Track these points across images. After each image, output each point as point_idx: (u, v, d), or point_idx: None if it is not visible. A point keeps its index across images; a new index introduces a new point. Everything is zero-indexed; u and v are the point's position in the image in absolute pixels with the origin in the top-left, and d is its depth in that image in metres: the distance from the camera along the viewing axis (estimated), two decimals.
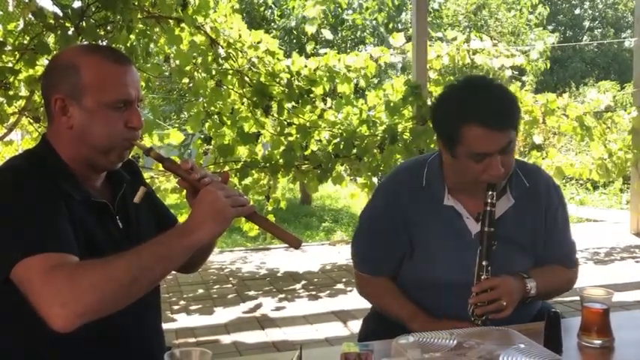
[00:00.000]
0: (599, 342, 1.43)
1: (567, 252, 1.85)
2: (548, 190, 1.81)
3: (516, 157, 1.76)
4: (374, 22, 14.83)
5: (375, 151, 5.39)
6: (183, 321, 4.29)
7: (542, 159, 6.94)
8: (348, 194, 12.55)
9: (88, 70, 1.35)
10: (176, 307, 4.63)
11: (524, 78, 15.12)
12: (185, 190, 1.43)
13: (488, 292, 1.59)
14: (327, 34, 9.93)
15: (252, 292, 5.08)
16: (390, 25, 15.31)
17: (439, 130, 1.70)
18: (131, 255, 1.21)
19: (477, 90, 1.65)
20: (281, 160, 5.29)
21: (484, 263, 1.60)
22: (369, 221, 1.89)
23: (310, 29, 6.37)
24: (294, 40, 13.91)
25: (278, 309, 4.57)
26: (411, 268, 1.78)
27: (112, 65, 1.37)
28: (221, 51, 5.15)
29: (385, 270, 1.83)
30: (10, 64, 4.27)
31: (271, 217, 5.33)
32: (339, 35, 14.46)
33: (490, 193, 1.60)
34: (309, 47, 10.44)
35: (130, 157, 1.52)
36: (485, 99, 1.61)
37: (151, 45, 4.69)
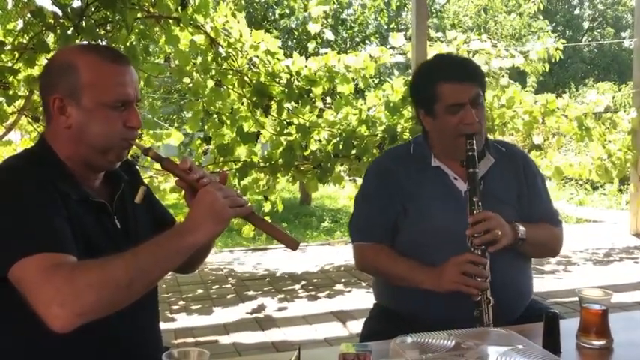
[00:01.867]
0: (597, 343, 1.42)
1: (550, 210, 1.98)
2: (524, 157, 2.03)
3: None
4: (376, 21, 14.84)
5: (375, 151, 5.39)
6: (182, 321, 4.29)
7: (542, 159, 6.94)
8: (348, 195, 12.55)
9: (86, 69, 1.35)
10: (175, 307, 4.63)
11: (527, 79, 15.13)
12: (184, 191, 1.43)
13: (483, 223, 1.69)
14: (328, 34, 9.94)
15: (251, 292, 5.07)
16: (391, 26, 15.32)
17: (418, 97, 1.93)
18: (129, 256, 1.21)
19: (444, 57, 2.14)
20: (280, 160, 5.29)
21: (475, 199, 1.73)
22: (363, 195, 2.01)
23: (313, 28, 6.35)
24: (294, 41, 13.92)
25: (277, 309, 4.57)
26: (407, 226, 1.87)
27: (110, 65, 1.37)
28: (221, 51, 5.15)
29: (381, 235, 1.90)
30: (9, 64, 4.27)
31: (269, 219, 5.34)
32: (340, 36, 14.47)
33: (469, 141, 1.78)
34: (310, 46, 10.43)
35: (128, 157, 1.52)
36: (451, 61, 2.01)
37: (151, 45, 4.68)
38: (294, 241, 1.37)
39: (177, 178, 1.41)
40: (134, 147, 1.47)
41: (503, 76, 6.60)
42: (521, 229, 1.78)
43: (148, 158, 1.45)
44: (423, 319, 1.70)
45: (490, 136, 2.03)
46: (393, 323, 1.75)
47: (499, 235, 1.69)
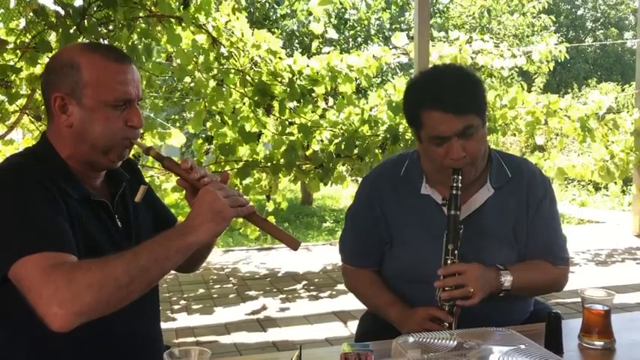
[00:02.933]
0: (600, 343, 1.42)
1: (551, 246, 1.77)
2: (534, 181, 1.78)
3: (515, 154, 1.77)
4: (379, 21, 14.83)
5: (377, 151, 5.38)
6: (183, 320, 4.29)
7: (544, 160, 6.93)
8: (350, 194, 12.51)
9: (88, 68, 1.34)
10: (176, 307, 4.63)
11: (534, 80, 15.09)
12: (185, 190, 1.42)
13: (455, 277, 1.57)
14: (332, 33, 9.92)
15: (252, 292, 5.07)
16: (394, 26, 15.31)
17: (406, 117, 1.74)
18: (129, 255, 1.21)
19: (436, 76, 1.69)
20: (282, 160, 5.28)
21: (450, 247, 1.59)
22: (352, 215, 1.91)
23: (317, 28, 6.34)
24: (296, 42, 13.92)
25: (278, 309, 4.57)
26: (391, 258, 1.79)
27: (112, 64, 1.37)
28: (223, 50, 5.15)
29: (368, 261, 1.85)
30: (11, 63, 4.28)
31: (271, 219, 5.33)
32: (342, 35, 14.47)
33: (455, 177, 1.60)
34: (314, 45, 10.43)
35: (130, 155, 1.51)
36: (442, 84, 1.62)
37: (153, 44, 4.67)
38: (295, 241, 1.37)
39: (178, 178, 1.41)
40: (136, 146, 1.46)
41: (511, 77, 6.59)
42: (507, 279, 1.62)
43: (150, 157, 1.44)
44: None
45: (495, 145, 1.90)
46: (386, 322, 1.73)
47: (470, 293, 1.55)
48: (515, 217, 1.73)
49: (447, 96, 1.57)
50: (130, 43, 4.37)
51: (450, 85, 1.61)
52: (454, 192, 1.60)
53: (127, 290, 1.19)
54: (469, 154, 1.60)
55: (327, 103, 5.66)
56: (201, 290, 5.17)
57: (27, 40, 4.35)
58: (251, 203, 1.37)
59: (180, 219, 1.69)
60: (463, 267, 1.57)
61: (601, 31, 24.36)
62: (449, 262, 1.59)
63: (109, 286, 1.16)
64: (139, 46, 4.45)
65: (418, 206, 1.74)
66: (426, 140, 1.63)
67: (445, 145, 1.59)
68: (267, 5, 13.89)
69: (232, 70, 5.19)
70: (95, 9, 4.23)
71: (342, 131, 5.50)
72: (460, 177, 1.60)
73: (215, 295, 5.01)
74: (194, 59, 5.06)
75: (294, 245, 1.36)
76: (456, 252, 1.59)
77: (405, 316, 1.66)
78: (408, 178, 1.78)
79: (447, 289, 1.57)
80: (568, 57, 7.68)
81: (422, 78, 1.71)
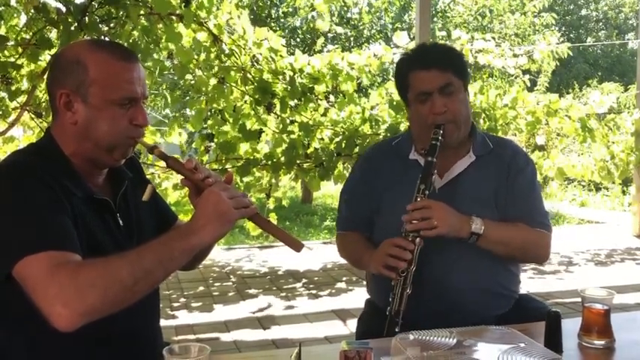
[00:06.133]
0: (599, 342, 1.42)
1: (531, 210, 1.84)
2: (517, 154, 1.91)
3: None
4: (382, 21, 14.83)
5: None
6: (183, 318, 4.29)
7: (544, 160, 6.93)
8: None
9: (94, 66, 1.34)
10: (176, 304, 4.63)
11: (538, 79, 15.05)
12: (188, 189, 1.42)
13: (421, 210, 1.67)
14: (338, 29, 9.89)
15: (252, 291, 5.07)
16: (395, 25, 15.30)
17: (397, 86, 1.94)
18: (133, 255, 1.21)
19: (420, 45, 2.06)
20: (283, 158, 5.28)
21: (422, 187, 1.71)
22: (347, 186, 2.06)
23: (322, 25, 6.32)
24: (298, 40, 13.91)
25: (278, 307, 4.57)
26: (379, 223, 1.88)
27: (118, 62, 1.36)
28: (224, 47, 5.14)
29: (358, 225, 1.94)
30: (12, 59, 4.27)
31: (273, 216, 5.33)
32: (344, 34, 14.46)
33: (436, 129, 1.75)
34: (318, 42, 10.41)
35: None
36: (424, 49, 1.96)
37: (153, 43, 4.66)
38: (299, 242, 1.36)
39: (182, 177, 1.40)
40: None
41: (517, 76, 6.57)
42: (478, 223, 1.70)
43: (150, 155, 1.44)
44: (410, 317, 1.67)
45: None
46: (384, 320, 1.72)
47: (434, 225, 1.65)
48: (496, 182, 1.84)
49: (430, 55, 1.84)
50: (131, 41, 4.37)
51: (433, 48, 1.95)
52: (433, 142, 1.74)
53: (132, 291, 1.19)
54: (450, 110, 1.76)
55: (328, 102, 5.66)
56: (201, 288, 5.18)
57: (28, 37, 4.34)
58: (254, 205, 1.37)
59: (181, 217, 1.70)
60: (430, 202, 1.69)
61: (602, 32, 24.33)
62: (418, 199, 1.70)
63: (113, 286, 1.16)
64: (141, 44, 4.45)
65: (405, 172, 1.85)
66: (413, 102, 1.83)
67: (429, 102, 1.77)
68: (270, 3, 13.88)
69: (233, 68, 5.19)
70: (96, 6, 4.23)
71: (342, 130, 5.50)
72: (441, 131, 1.75)
73: (215, 293, 5.01)
74: (195, 57, 5.05)
75: (297, 247, 1.36)
76: (426, 192, 1.70)
77: (372, 254, 1.76)
78: (399, 147, 1.94)
79: (413, 222, 1.66)
80: (569, 57, 7.66)
81: (405, 52, 1.98)
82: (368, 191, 1.91)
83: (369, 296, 2.06)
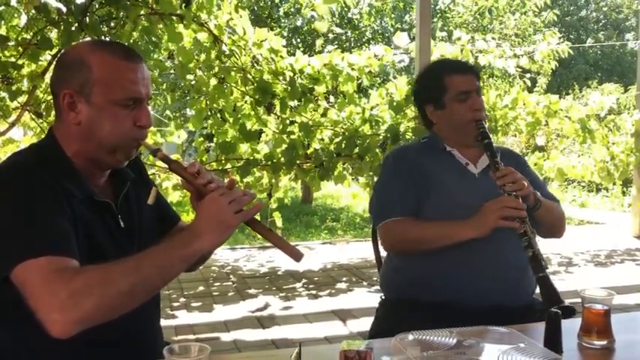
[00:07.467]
0: (599, 343, 1.42)
1: (549, 192, 2.12)
2: (517, 155, 2.24)
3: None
4: (383, 22, 14.81)
5: (377, 150, 5.38)
6: (183, 318, 4.29)
7: (544, 160, 6.93)
8: (350, 194, 12.51)
9: (98, 66, 1.33)
10: (176, 304, 4.63)
11: (538, 79, 15.04)
12: (190, 193, 1.40)
13: (510, 174, 1.87)
14: (338, 30, 9.88)
15: (252, 291, 5.08)
16: (396, 26, 15.29)
17: (426, 93, 2.12)
18: (132, 263, 1.20)
19: (445, 58, 2.56)
20: (283, 159, 5.28)
21: (496, 159, 1.92)
22: (382, 181, 2.12)
23: (321, 26, 6.31)
24: (299, 40, 13.90)
25: (278, 307, 4.57)
26: (428, 204, 1.97)
27: (122, 62, 1.35)
28: (224, 48, 5.14)
29: (406, 209, 1.98)
30: (12, 59, 4.27)
31: (277, 215, 5.35)
32: (345, 35, 14.44)
33: (480, 122, 1.99)
34: (318, 43, 10.40)
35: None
36: (453, 59, 2.53)
37: (153, 44, 4.66)
38: (298, 252, 1.35)
39: (184, 180, 1.38)
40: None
41: (515, 76, 6.56)
42: (537, 193, 1.94)
43: (150, 156, 1.44)
44: (458, 307, 1.79)
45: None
46: (401, 320, 1.74)
47: (524, 185, 1.86)
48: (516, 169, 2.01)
49: (463, 63, 2.24)
50: (131, 41, 4.37)
51: (458, 60, 2.54)
52: (481, 130, 1.97)
53: (129, 298, 1.19)
54: (484, 108, 2.04)
55: (328, 102, 5.66)
56: (201, 288, 5.18)
57: (28, 37, 4.35)
58: (256, 201, 1.36)
59: (184, 217, 1.69)
60: (511, 169, 1.90)
61: (602, 33, 24.32)
62: (501, 168, 1.90)
63: (111, 294, 1.16)
64: (141, 44, 4.45)
65: (444, 159, 2.05)
66: (450, 102, 2.03)
67: (468, 101, 2.00)
68: (271, 3, 13.87)
69: (234, 68, 5.19)
70: (97, 6, 4.23)
71: (342, 130, 5.50)
72: (484, 123, 2.00)
73: (215, 293, 5.01)
74: (195, 57, 5.06)
75: (297, 257, 1.35)
76: (502, 163, 1.91)
77: (475, 221, 1.85)
78: (431, 144, 2.12)
79: (507, 184, 1.85)
80: (569, 58, 7.67)
81: (435, 61, 2.39)
82: (411, 178, 2.01)
83: (381, 297, 2.12)
